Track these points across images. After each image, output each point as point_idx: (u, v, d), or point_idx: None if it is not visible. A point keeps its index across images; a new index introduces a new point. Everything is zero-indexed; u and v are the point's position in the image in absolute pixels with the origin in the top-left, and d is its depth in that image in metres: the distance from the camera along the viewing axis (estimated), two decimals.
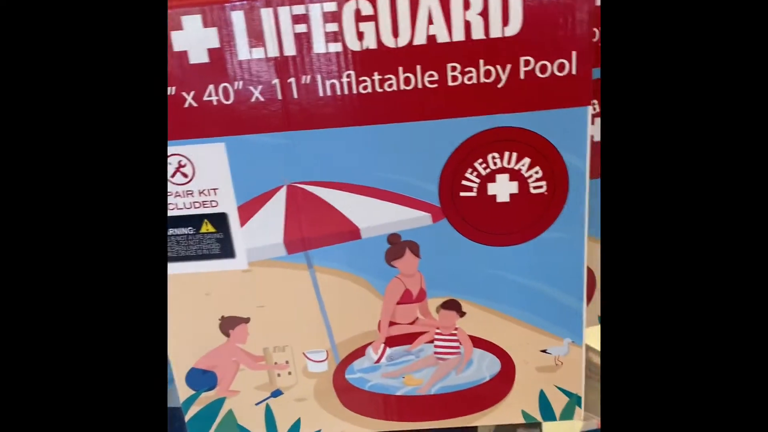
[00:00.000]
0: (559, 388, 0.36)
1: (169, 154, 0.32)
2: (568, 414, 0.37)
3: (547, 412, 0.37)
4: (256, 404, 0.37)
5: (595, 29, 0.36)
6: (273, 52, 0.30)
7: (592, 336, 0.53)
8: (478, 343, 0.36)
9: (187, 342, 0.36)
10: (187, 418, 0.38)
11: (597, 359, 0.61)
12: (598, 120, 0.40)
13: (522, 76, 0.30)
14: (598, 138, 0.40)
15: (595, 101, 0.39)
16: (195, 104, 0.30)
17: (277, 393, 0.37)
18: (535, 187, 0.32)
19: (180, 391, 0.37)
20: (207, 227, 0.33)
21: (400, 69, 0.30)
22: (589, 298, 0.45)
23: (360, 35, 0.29)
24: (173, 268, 0.34)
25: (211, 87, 0.30)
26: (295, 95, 0.30)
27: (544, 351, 0.35)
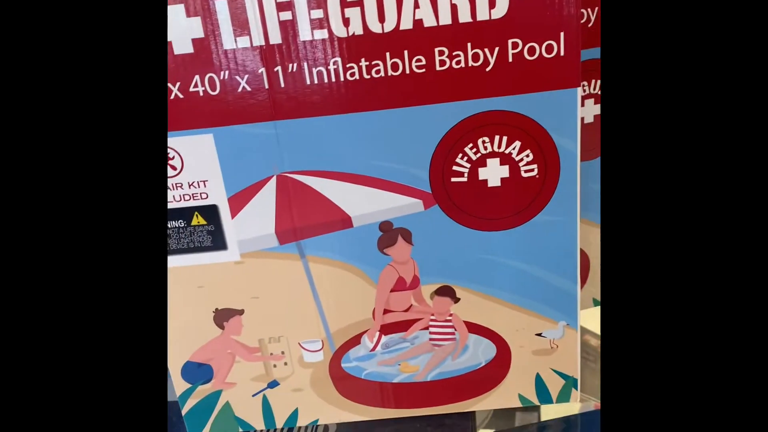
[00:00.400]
0: (555, 371, 0.37)
1: None
2: (564, 396, 0.37)
3: (544, 395, 0.37)
4: (253, 395, 0.37)
5: (583, 10, 0.36)
6: (258, 40, 0.29)
7: (589, 318, 0.54)
8: (473, 328, 0.35)
9: (182, 335, 0.36)
10: (184, 411, 0.38)
11: (594, 342, 0.61)
12: (589, 101, 0.40)
13: (510, 58, 0.29)
14: (589, 119, 0.40)
15: (585, 82, 0.39)
16: (181, 96, 0.30)
17: (273, 384, 0.37)
18: (526, 171, 0.32)
19: (176, 384, 0.37)
20: (198, 220, 0.33)
21: (388, 54, 0.29)
22: (584, 280, 0.45)
23: (346, 21, 0.29)
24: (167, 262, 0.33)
25: (196, 77, 0.30)
26: (282, 84, 0.30)
27: (539, 335, 0.35)
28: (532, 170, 0.32)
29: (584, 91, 0.39)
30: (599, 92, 0.39)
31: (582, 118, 0.40)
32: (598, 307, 0.47)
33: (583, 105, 0.40)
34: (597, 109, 0.39)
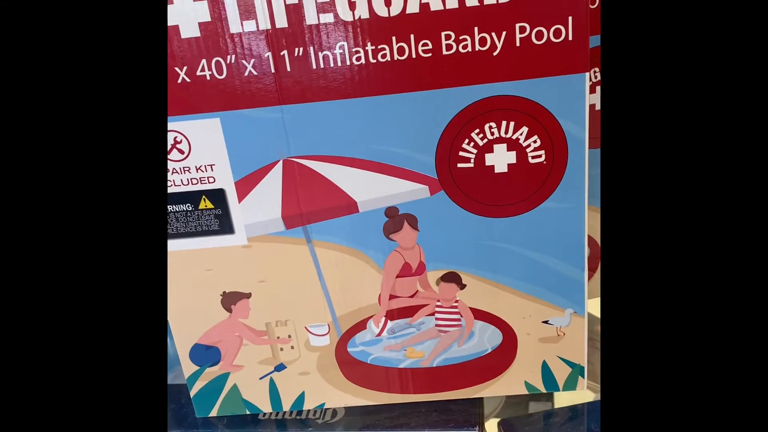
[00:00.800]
0: (562, 359, 0.36)
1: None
2: (571, 384, 0.37)
3: (550, 383, 0.37)
4: (260, 378, 0.38)
5: None
6: (264, 24, 0.29)
7: (598, 307, 0.53)
8: (479, 315, 0.35)
9: (190, 318, 0.36)
10: (192, 393, 0.38)
11: None
12: (598, 88, 0.39)
13: (518, 43, 0.29)
14: (599, 107, 0.40)
15: (597, 69, 0.38)
16: (188, 80, 0.30)
17: (280, 367, 0.37)
18: (533, 157, 0.31)
19: (184, 366, 0.37)
20: (205, 203, 0.33)
21: (394, 39, 0.29)
22: (594, 269, 0.45)
23: (352, 5, 0.29)
24: (173, 245, 0.34)
25: (203, 61, 0.30)
26: (288, 68, 0.30)
27: (545, 322, 0.35)
28: (540, 156, 0.31)
29: (596, 77, 0.39)
30: None
31: (593, 105, 0.39)
32: None
33: (594, 92, 0.39)
34: None
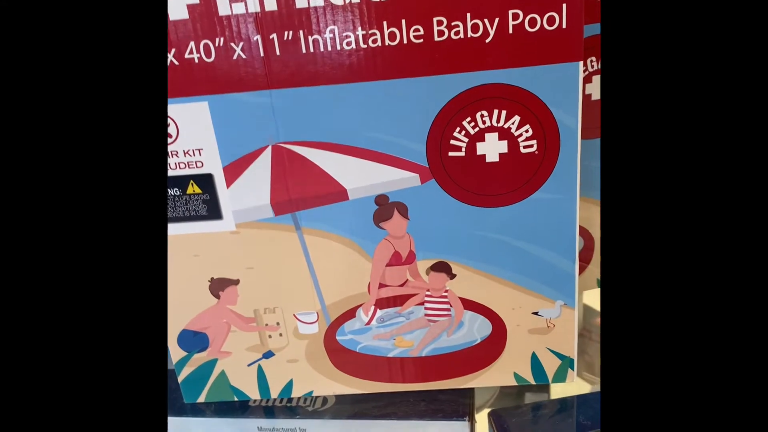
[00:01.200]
0: (552, 351, 0.36)
1: None
2: (560, 376, 0.37)
3: (540, 375, 0.37)
4: (248, 365, 0.38)
5: None
6: (254, 7, 0.29)
7: (595, 298, 0.53)
8: (468, 305, 0.35)
9: (178, 304, 0.36)
10: (180, 378, 0.38)
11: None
12: (597, 78, 0.39)
13: (510, 30, 0.29)
14: (596, 96, 0.39)
15: (594, 58, 0.38)
16: (176, 62, 0.30)
17: (268, 354, 0.37)
18: (525, 147, 0.31)
19: (172, 352, 0.37)
20: (193, 188, 0.33)
21: (385, 24, 0.29)
22: (588, 261, 0.44)
23: None
24: None
25: (192, 44, 0.30)
26: (278, 52, 0.29)
27: (535, 313, 0.35)
28: (532, 146, 0.31)
29: (592, 67, 0.38)
30: None
31: (590, 95, 0.39)
32: None
33: (591, 81, 0.39)
34: None
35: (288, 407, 0.40)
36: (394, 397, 0.38)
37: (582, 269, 0.45)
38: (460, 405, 0.39)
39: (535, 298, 0.35)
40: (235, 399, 0.39)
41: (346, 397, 0.39)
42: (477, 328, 0.36)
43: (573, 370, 0.37)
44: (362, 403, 0.39)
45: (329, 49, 0.29)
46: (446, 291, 0.35)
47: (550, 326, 0.35)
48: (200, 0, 0.29)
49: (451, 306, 0.35)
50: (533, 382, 0.37)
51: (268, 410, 0.40)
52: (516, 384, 0.37)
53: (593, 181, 0.42)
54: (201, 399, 0.39)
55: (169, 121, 0.31)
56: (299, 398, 0.40)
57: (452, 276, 0.34)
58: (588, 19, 0.36)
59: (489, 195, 0.32)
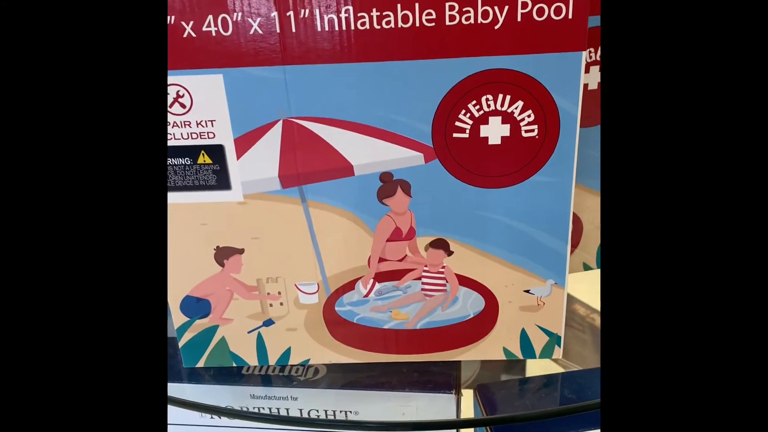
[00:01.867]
0: (540, 327, 0.38)
1: (168, 83, 0.32)
2: (547, 352, 0.39)
3: (528, 350, 0.39)
4: (249, 332, 0.39)
5: None
6: None
7: (577, 283, 0.55)
8: (464, 281, 0.37)
9: (183, 270, 0.37)
10: (180, 344, 0.39)
11: (582, 311, 0.62)
12: (594, 68, 0.40)
13: (519, 18, 0.30)
14: (593, 86, 0.41)
15: (592, 49, 0.39)
16: (194, 34, 0.31)
17: (269, 322, 0.38)
18: (526, 131, 0.32)
19: (174, 317, 0.38)
20: (204, 158, 0.34)
21: (399, 6, 0.30)
22: (575, 244, 0.46)
23: None
24: (170, 198, 0.35)
25: (210, 17, 0.30)
26: (293, 29, 0.30)
27: (527, 291, 0.37)
28: (533, 131, 0.32)
29: (590, 57, 0.39)
30: None
31: (585, 85, 0.40)
32: (588, 272, 0.48)
33: (588, 71, 0.40)
34: (600, 76, 0.40)
35: (281, 376, 0.42)
36: (388, 367, 0.40)
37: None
38: (450, 377, 0.40)
39: (528, 277, 0.36)
40: (234, 365, 0.40)
41: (339, 368, 0.41)
42: (470, 304, 0.37)
43: (560, 346, 0.39)
44: (356, 373, 0.41)
45: (344, 28, 0.30)
46: (443, 267, 0.36)
47: (540, 304, 0.37)
48: None
49: (447, 281, 0.37)
50: (521, 357, 0.39)
51: (265, 378, 0.42)
52: (505, 358, 0.39)
53: (586, 168, 0.44)
54: (200, 364, 0.40)
55: (183, 91, 0.32)
56: (292, 368, 0.41)
57: (450, 253, 0.36)
58: (590, 10, 0.38)
59: (490, 176, 0.34)
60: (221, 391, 0.42)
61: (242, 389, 0.42)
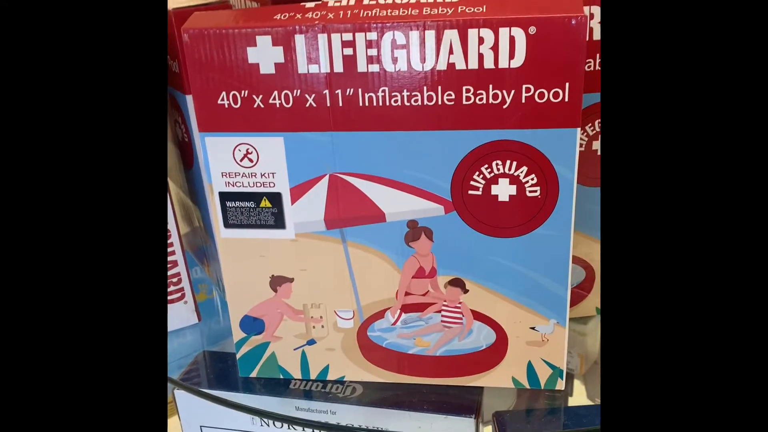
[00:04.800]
0: (545, 361, 0.43)
1: (240, 143, 0.40)
2: (551, 383, 0.44)
3: (534, 380, 0.44)
4: (294, 349, 0.46)
5: (590, 60, 0.42)
6: (325, 68, 0.37)
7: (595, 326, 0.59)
8: (477, 316, 0.43)
9: (243, 293, 0.44)
10: (238, 356, 0.47)
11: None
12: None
13: (523, 100, 0.36)
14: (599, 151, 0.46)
15: (599, 121, 0.45)
16: (262, 106, 0.39)
17: (311, 342, 0.45)
18: (530, 191, 0.39)
19: (234, 333, 0.46)
20: (265, 203, 0.41)
21: (425, 88, 0.37)
22: (588, 290, 0.51)
23: (394, 60, 0.37)
24: (237, 233, 0.42)
25: (275, 92, 0.38)
26: (341, 104, 0.38)
27: (533, 328, 0.42)
28: (536, 191, 0.38)
29: (599, 127, 0.45)
30: None
31: (596, 150, 0.46)
32: None
33: (597, 139, 0.46)
34: None
35: (322, 392, 0.48)
36: (411, 387, 0.46)
37: (582, 297, 0.52)
38: (470, 402, 0.46)
39: (533, 316, 0.42)
40: (281, 377, 0.47)
41: (372, 387, 0.47)
42: (483, 336, 0.43)
43: (562, 379, 0.44)
44: (385, 391, 0.47)
45: (380, 104, 0.38)
46: (460, 303, 0.42)
47: (545, 340, 0.43)
48: (285, 60, 0.38)
49: (463, 316, 0.43)
50: (528, 387, 0.44)
51: (307, 393, 0.48)
52: (513, 387, 0.44)
53: (596, 221, 0.49)
54: (253, 374, 0.47)
55: (252, 149, 0.40)
56: (332, 385, 0.48)
57: (466, 291, 0.42)
58: (597, 88, 0.44)
59: (499, 227, 0.40)
60: (272, 401, 0.48)
61: (289, 401, 0.48)
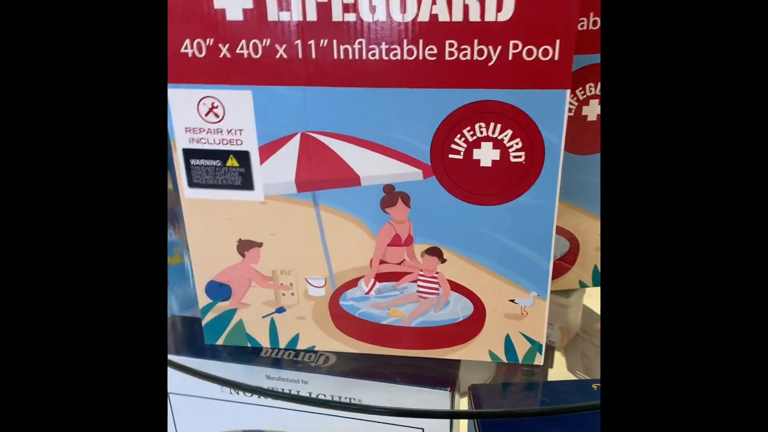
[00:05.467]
0: (524, 335, 0.41)
1: (205, 96, 0.37)
2: (529, 358, 0.42)
3: (511, 354, 0.42)
4: (263, 317, 0.44)
5: (583, 18, 0.40)
6: (297, 16, 0.34)
7: (596, 301, 0.58)
8: (455, 287, 0.41)
9: (209, 258, 0.42)
10: (204, 322, 0.45)
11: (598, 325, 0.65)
12: (594, 101, 0.44)
13: (510, 57, 0.34)
14: (592, 117, 0.44)
15: (592, 84, 0.43)
16: (229, 55, 0.36)
17: (280, 310, 0.43)
18: (514, 156, 0.36)
19: (200, 298, 0.44)
20: (232, 162, 0.39)
21: (405, 41, 0.34)
22: (572, 262, 0.49)
23: (372, 9, 0.34)
24: (201, 194, 0.40)
25: (243, 41, 0.35)
26: (314, 55, 0.35)
27: (512, 301, 0.40)
28: (520, 157, 0.36)
29: (590, 91, 0.43)
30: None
31: (585, 116, 0.44)
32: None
33: (587, 104, 0.44)
34: (599, 109, 0.43)
35: (294, 360, 0.46)
36: (385, 358, 0.44)
37: (565, 270, 0.50)
38: (444, 375, 0.44)
39: (513, 288, 0.40)
40: (249, 345, 0.45)
41: (346, 357, 0.45)
42: (460, 308, 0.41)
43: (541, 353, 0.42)
44: (359, 362, 0.45)
45: (356, 57, 0.35)
46: (437, 273, 0.40)
47: (524, 313, 0.41)
48: (254, 6, 0.34)
49: (440, 286, 0.41)
50: (505, 361, 0.43)
51: (277, 361, 0.46)
52: (491, 360, 0.43)
53: (585, 193, 0.47)
54: (220, 342, 0.45)
55: (217, 103, 0.37)
56: (304, 354, 0.46)
57: (443, 260, 0.40)
58: (589, 49, 0.41)
59: (480, 195, 0.37)
60: (240, 369, 0.47)
61: (259, 369, 0.47)
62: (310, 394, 0.47)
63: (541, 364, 0.43)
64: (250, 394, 0.48)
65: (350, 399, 0.45)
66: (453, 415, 0.45)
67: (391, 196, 0.38)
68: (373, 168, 0.38)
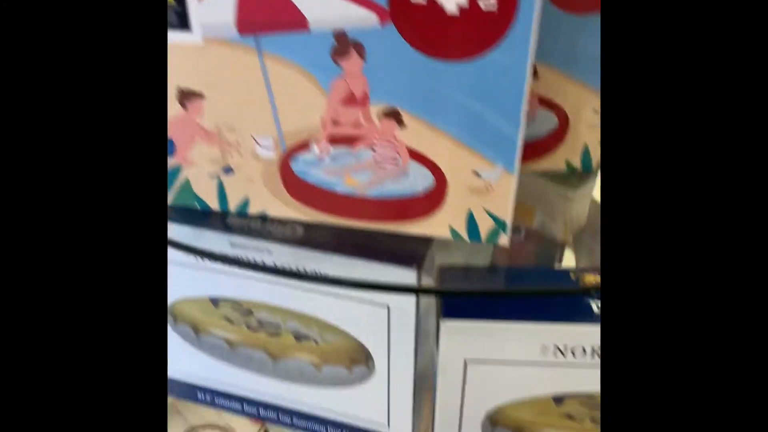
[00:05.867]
0: (488, 212, 0.38)
1: None
2: (493, 237, 0.39)
3: (474, 232, 0.39)
4: (210, 177, 0.41)
5: None
6: None
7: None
8: (414, 155, 0.37)
9: None
10: None
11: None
12: None
13: None
14: None
15: None
16: None
17: (227, 170, 0.40)
18: (486, 4, 0.31)
19: None
20: None
21: None
22: (559, 140, 0.45)
23: None
24: None
25: None
26: None
27: (476, 173, 0.36)
28: (492, 4, 0.31)
29: None
30: None
31: None
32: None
33: None
34: None
35: (260, 229, 0.43)
36: (340, 229, 0.41)
37: (551, 148, 0.45)
38: (413, 253, 0.41)
39: (478, 158, 0.36)
40: (198, 207, 0.42)
41: (315, 229, 0.42)
42: (420, 179, 0.37)
43: (506, 233, 0.38)
44: (326, 235, 0.42)
45: None
46: (395, 138, 0.36)
47: (489, 188, 0.37)
48: None
49: (398, 154, 0.37)
50: (467, 239, 0.39)
51: (243, 228, 0.43)
52: (451, 237, 0.39)
53: (580, 59, 0.41)
54: (168, 202, 0.43)
55: None
56: (273, 223, 0.43)
57: (402, 125, 0.36)
58: None
59: (444, 47, 0.32)
60: (205, 235, 0.44)
61: (224, 236, 0.44)
62: (274, 263, 0.44)
63: (507, 245, 0.39)
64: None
65: (316, 271, 0.43)
66: (417, 290, 0.42)
67: (342, 44, 0.33)
68: (321, 9, 0.33)
